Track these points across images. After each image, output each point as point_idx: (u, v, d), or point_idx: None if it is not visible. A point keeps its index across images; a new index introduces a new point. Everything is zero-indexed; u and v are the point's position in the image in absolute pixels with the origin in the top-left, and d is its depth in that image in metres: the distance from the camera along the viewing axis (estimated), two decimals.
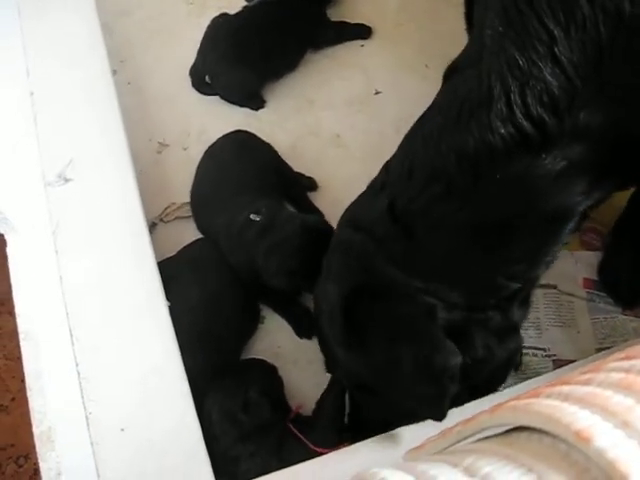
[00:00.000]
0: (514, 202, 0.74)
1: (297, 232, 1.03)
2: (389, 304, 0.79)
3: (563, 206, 0.74)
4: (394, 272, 0.78)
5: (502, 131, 0.70)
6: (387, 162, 0.86)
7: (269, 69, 1.37)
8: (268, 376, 1.03)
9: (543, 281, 1.12)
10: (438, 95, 0.83)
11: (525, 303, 0.87)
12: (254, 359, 1.09)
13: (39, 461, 0.83)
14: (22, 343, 0.92)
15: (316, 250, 0.92)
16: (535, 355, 1.10)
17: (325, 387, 1.01)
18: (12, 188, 1.05)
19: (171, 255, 1.15)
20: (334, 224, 0.93)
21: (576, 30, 0.67)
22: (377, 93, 1.40)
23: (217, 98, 1.38)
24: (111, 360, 0.92)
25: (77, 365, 0.91)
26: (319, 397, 1.01)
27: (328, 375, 1.01)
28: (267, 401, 0.98)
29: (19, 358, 0.92)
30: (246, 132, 1.27)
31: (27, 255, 0.99)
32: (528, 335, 1.10)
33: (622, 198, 1.04)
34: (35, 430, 0.85)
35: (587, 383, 0.38)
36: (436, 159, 0.75)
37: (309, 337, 1.12)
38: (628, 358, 0.41)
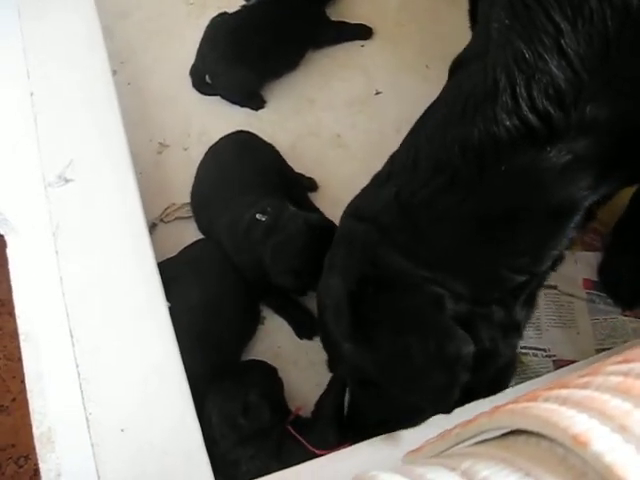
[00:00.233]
0: (519, 194, 0.73)
1: (301, 230, 1.03)
2: (396, 295, 0.79)
3: (568, 200, 0.74)
4: (400, 261, 0.78)
5: (507, 123, 0.70)
6: (392, 154, 0.85)
7: (269, 69, 1.37)
8: (268, 378, 1.03)
9: None
10: (443, 89, 0.83)
11: (529, 303, 0.86)
12: (255, 361, 1.09)
13: (39, 462, 0.83)
14: (22, 344, 0.92)
15: (320, 247, 0.92)
16: (535, 355, 1.10)
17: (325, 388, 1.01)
18: (12, 189, 1.05)
19: (171, 256, 1.15)
20: (335, 223, 0.93)
21: (583, 23, 0.67)
22: (377, 93, 1.39)
23: (217, 98, 1.38)
24: (111, 361, 0.92)
25: (77, 366, 0.91)
26: (318, 398, 1.01)
27: (328, 376, 1.01)
28: (267, 404, 0.97)
29: (20, 359, 0.92)
30: (248, 132, 1.26)
31: (27, 256, 0.99)
32: (528, 335, 1.10)
33: (623, 198, 1.04)
34: (35, 431, 0.85)
35: (585, 386, 0.38)
36: (441, 151, 0.75)
37: (310, 338, 1.12)
38: (626, 361, 0.41)
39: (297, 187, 1.26)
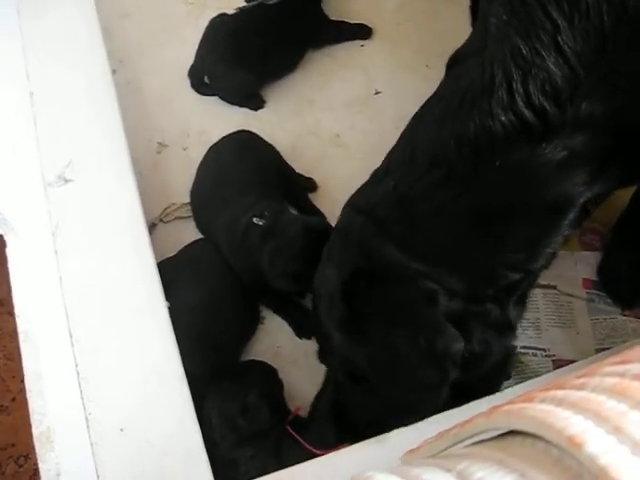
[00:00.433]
0: (514, 190, 0.74)
1: (299, 234, 1.03)
2: (389, 288, 0.79)
3: (564, 196, 0.74)
4: (395, 254, 0.78)
5: (502, 118, 0.70)
6: (390, 150, 0.86)
7: (268, 70, 1.37)
8: (268, 379, 1.03)
9: (543, 281, 1.12)
10: (441, 84, 0.84)
11: (521, 303, 0.87)
12: (255, 361, 1.09)
13: (38, 462, 0.83)
14: (22, 344, 0.92)
15: (318, 251, 0.92)
16: (535, 355, 1.10)
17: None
18: (12, 189, 1.05)
19: (171, 255, 1.15)
20: (334, 224, 0.93)
21: (580, 19, 0.68)
22: (377, 93, 1.39)
23: (216, 99, 1.38)
24: (111, 361, 0.92)
25: (77, 366, 0.91)
26: (314, 398, 1.01)
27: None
28: (266, 405, 0.97)
29: (19, 359, 0.92)
30: (249, 132, 1.26)
31: (27, 256, 0.99)
32: (528, 335, 1.10)
33: (622, 198, 1.04)
34: (34, 431, 0.85)
35: (581, 388, 0.38)
36: (437, 145, 0.75)
37: (309, 337, 1.12)
38: (623, 362, 0.41)
39: (297, 187, 1.26)
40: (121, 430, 0.87)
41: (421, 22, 1.47)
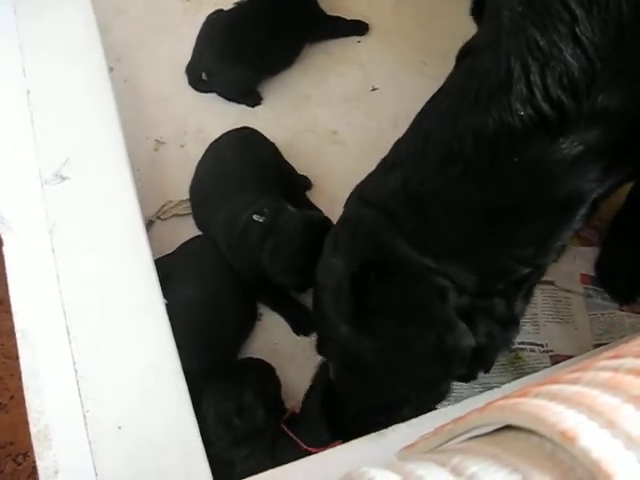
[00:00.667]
0: (530, 186, 0.73)
1: (299, 230, 1.03)
2: (400, 283, 0.79)
3: (577, 192, 0.74)
4: (406, 249, 0.77)
5: (521, 113, 0.69)
6: (398, 141, 0.85)
7: (265, 66, 1.37)
8: (265, 378, 1.02)
9: None
10: (450, 78, 0.82)
11: (528, 296, 0.87)
12: (252, 359, 1.08)
13: (36, 460, 0.83)
14: (19, 342, 0.92)
15: (318, 245, 0.92)
16: (533, 351, 1.10)
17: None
18: (8, 187, 1.05)
19: (168, 252, 1.15)
20: (332, 220, 0.93)
21: (599, 10, 0.67)
22: (374, 89, 1.39)
23: (214, 96, 1.38)
24: (108, 358, 0.92)
25: (74, 364, 0.91)
26: (304, 395, 1.00)
27: None
28: (262, 405, 0.96)
29: (17, 357, 0.92)
30: (250, 129, 1.26)
31: (24, 254, 0.99)
32: (526, 331, 1.10)
33: (619, 193, 1.04)
34: (32, 429, 0.85)
35: (575, 382, 0.38)
36: (452, 140, 0.74)
37: (307, 334, 1.12)
38: (617, 357, 0.41)
39: (296, 185, 1.26)
40: (119, 428, 0.87)
41: (418, 18, 1.47)
